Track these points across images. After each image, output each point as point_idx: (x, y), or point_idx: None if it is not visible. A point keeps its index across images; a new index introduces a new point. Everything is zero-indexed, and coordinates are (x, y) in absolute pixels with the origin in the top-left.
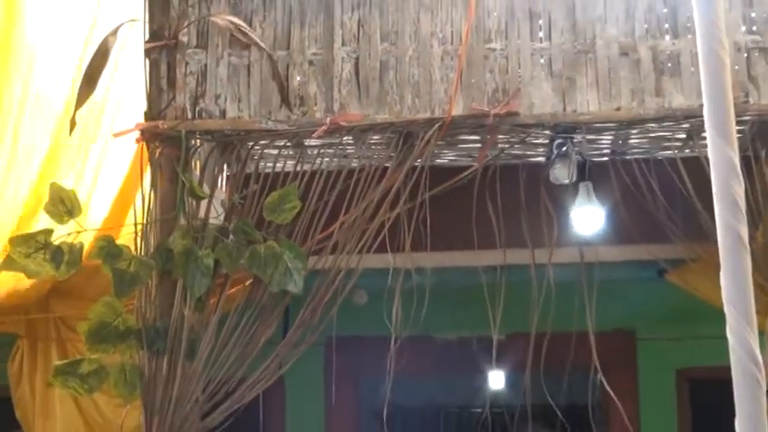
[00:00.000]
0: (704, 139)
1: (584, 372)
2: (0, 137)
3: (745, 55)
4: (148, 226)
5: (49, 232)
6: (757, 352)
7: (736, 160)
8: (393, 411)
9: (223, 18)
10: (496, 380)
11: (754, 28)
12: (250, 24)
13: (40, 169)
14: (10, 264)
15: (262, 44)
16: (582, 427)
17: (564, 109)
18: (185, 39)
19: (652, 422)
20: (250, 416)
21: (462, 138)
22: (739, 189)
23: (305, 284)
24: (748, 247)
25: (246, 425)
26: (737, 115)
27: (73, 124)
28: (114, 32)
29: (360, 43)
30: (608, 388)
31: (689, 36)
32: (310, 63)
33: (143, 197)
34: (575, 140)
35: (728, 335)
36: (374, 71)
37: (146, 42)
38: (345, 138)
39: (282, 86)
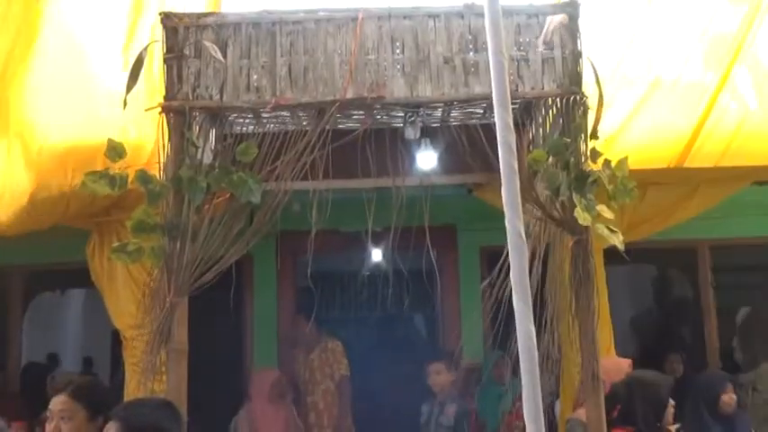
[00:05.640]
0: (493, 112)
1: (427, 251)
2: None
3: (516, 63)
4: (167, 163)
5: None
6: (522, 232)
7: (511, 123)
8: (315, 274)
9: (206, 42)
10: (376, 255)
11: (522, 48)
12: (226, 45)
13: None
14: (84, 187)
15: (220, 58)
16: (426, 283)
17: (411, 95)
18: (187, 52)
19: (466, 279)
20: (236, 279)
21: (353, 112)
22: (512, 139)
23: (261, 198)
24: (518, 173)
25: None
26: (512, 99)
27: (125, 104)
28: (146, 48)
29: (291, 55)
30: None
31: (484, 52)
32: (262, 67)
33: (164, 146)
34: (419, 113)
35: (506, 223)
36: (300, 72)
37: (164, 54)
38: (284, 112)
39: None
